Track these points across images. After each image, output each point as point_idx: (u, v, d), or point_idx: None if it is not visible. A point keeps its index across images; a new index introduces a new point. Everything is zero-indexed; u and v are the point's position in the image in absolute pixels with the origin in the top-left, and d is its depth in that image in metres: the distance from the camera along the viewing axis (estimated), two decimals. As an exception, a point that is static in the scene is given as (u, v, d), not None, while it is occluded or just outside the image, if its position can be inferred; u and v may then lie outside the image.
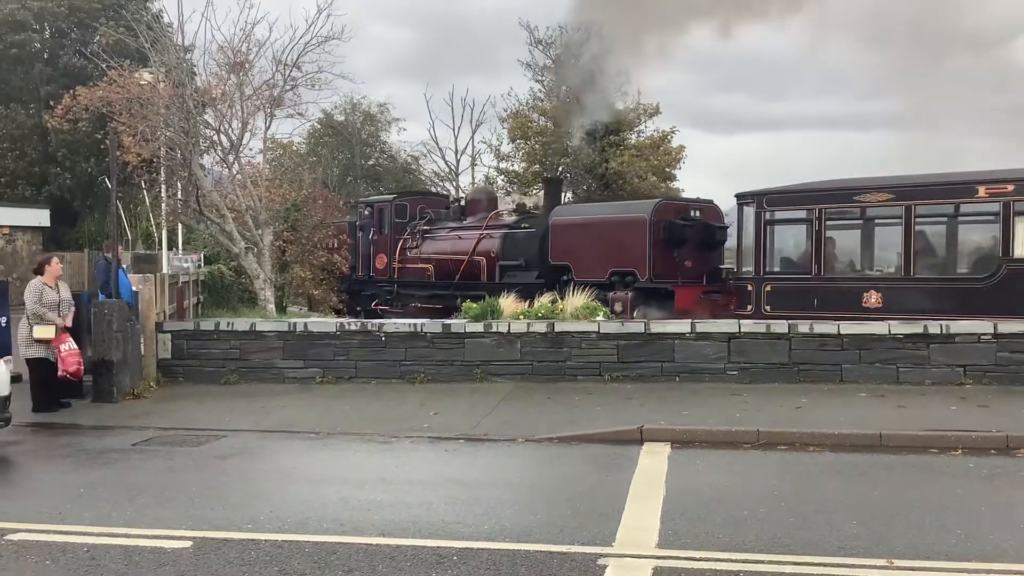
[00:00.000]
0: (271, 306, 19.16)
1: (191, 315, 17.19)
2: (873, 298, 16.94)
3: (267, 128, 20.38)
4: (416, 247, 24.26)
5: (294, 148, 38.46)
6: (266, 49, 19.62)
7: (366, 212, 25.84)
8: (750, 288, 18.29)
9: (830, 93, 70.79)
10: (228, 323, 15.06)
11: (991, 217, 16.33)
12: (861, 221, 18.21)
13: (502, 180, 41.75)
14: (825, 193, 18.38)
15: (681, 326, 13.75)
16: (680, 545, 6.60)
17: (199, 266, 24.63)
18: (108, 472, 9.37)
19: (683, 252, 19.68)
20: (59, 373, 12.53)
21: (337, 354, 14.51)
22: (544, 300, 15.47)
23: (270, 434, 11.12)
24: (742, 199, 19.18)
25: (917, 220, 16.94)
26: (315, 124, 42.15)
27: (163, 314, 15.14)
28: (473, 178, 46.20)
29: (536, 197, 37.20)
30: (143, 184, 23.08)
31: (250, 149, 21.11)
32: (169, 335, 14.84)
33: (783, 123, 73.27)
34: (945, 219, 17.43)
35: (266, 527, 7.17)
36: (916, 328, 13.03)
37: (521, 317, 14.52)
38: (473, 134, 46.12)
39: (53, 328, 12.40)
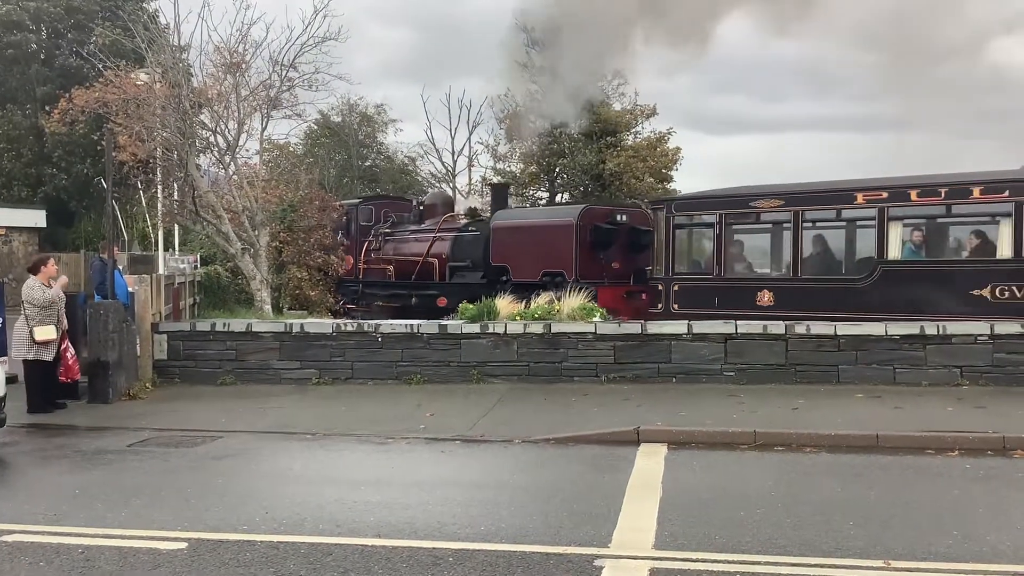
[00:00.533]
0: (267, 307, 19.16)
1: (187, 316, 17.19)
2: (766, 297, 17.80)
3: (263, 129, 20.41)
4: (379, 249, 25.09)
5: (291, 149, 38.44)
6: (263, 50, 19.67)
7: (341, 215, 26.31)
8: (660, 287, 19.10)
9: (828, 95, 70.76)
10: (224, 324, 15.05)
11: (869, 222, 17.15)
12: (757, 225, 19.24)
13: (498, 180, 41.75)
14: (725, 199, 19.41)
15: (678, 327, 13.74)
16: (677, 546, 6.59)
17: (195, 267, 24.62)
18: (103, 473, 9.34)
19: (609, 254, 20.61)
20: (63, 379, 12.57)
21: (333, 355, 14.49)
22: (541, 301, 15.45)
23: (266, 435, 11.09)
24: (654, 205, 20.62)
25: (804, 225, 17.84)
26: (312, 125, 42.12)
27: (159, 315, 15.13)
28: (470, 179, 46.19)
29: (534, 198, 37.30)
30: (139, 185, 23.11)
31: (246, 150, 21.12)
32: (165, 336, 14.82)
33: (781, 124, 73.30)
34: (829, 224, 18.35)
35: (261, 528, 7.15)
36: (913, 329, 13.02)
37: (518, 318, 14.50)
38: (470, 135, 46.11)
39: (53, 329, 12.40)
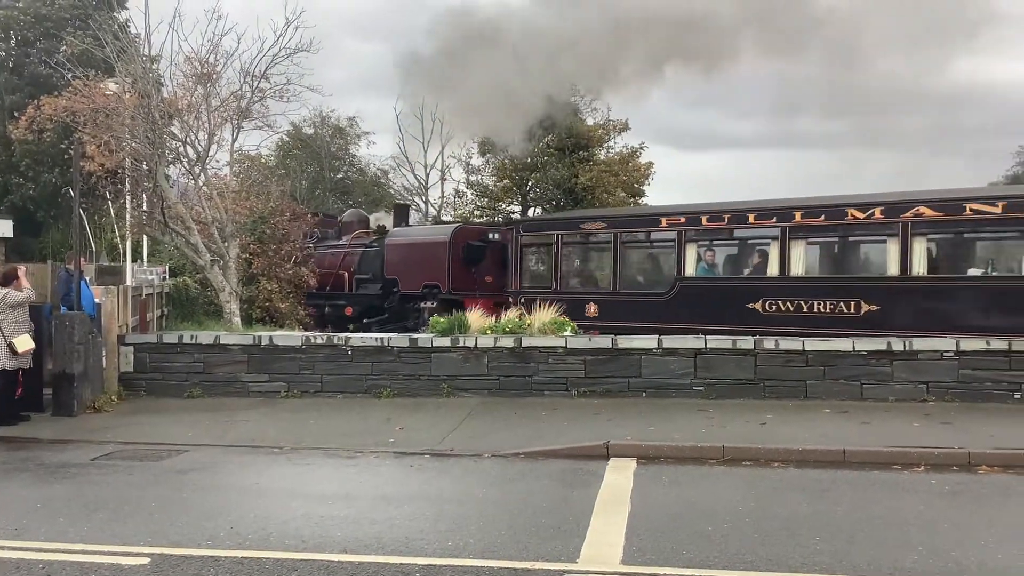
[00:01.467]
0: (236, 319, 18.98)
1: (155, 328, 17.01)
2: (592, 308, 20.20)
3: (234, 140, 20.25)
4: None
5: (262, 160, 38.26)
6: (233, 60, 19.50)
7: None
8: (511, 300, 21.29)
9: (798, 113, 71.60)
10: (192, 336, 14.92)
11: (670, 243, 19.72)
12: (586, 245, 22.16)
13: (472, 194, 41.77)
14: (561, 221, 22.95)
15: (648, 342, 13.77)
16: (645, 561, 6.58)
17: (164, 278, 24.37)
18: (66, 487, 9.21)
19: (481, 268, 23.12)
20: (19, 393, 12.45)
21: (303, 368, 14.41)
22: (511, 314, 15.45)
23: (233, 449, 10.99)
24: (507, 226, 23.55)
25: (622, 245, 20.49)
26: (284, 136, 41.98)
27: (126, 327, 14.97)
28: (442, 192, 46.16)
29: (506, 212, 37.34)
30: (108, 195, 22.87)
31: (217, 161, 20.97)
32: (132, 348, 14.67)
33: (751, 141, 73.94)
34: (640, 244, 21.16)
35: (226, 543, 7.07)
36: (880, 345, 13.14)
37: (488, 332, 14.49)
38: (443, 148, 46.09)
39: (30, 338, 12.32)
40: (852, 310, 17.04)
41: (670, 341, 13.77)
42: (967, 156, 69.62)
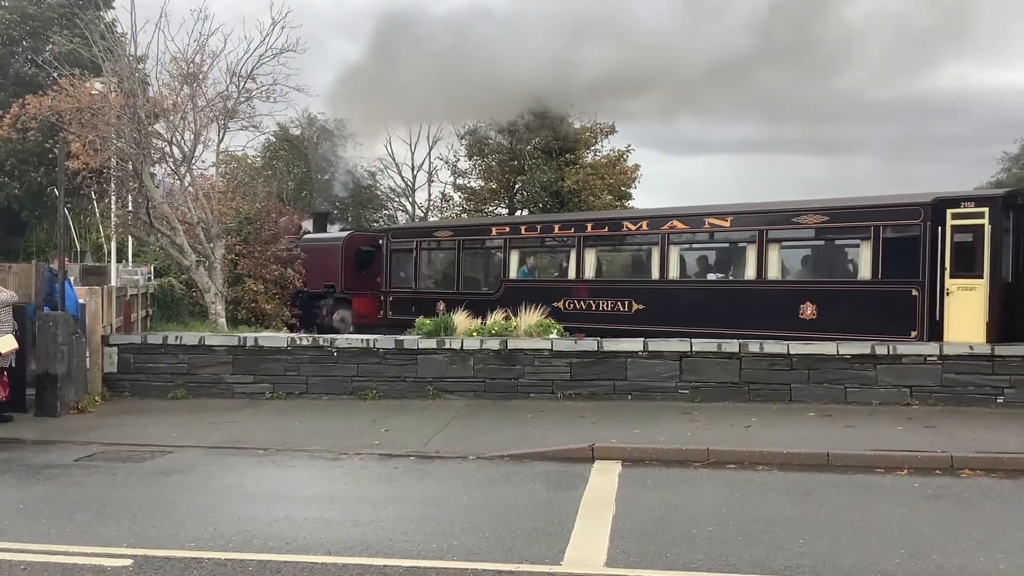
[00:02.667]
0: (222, 320, 18.93)
1: (139, 328, 16.92)
2: (441, 307, 22.23)
3: (220, 140, 20.20)
4: None
5: (249, 161, 38.16)
6: (220, 60, 19.46)
7: None
8: (382, 298, 25.36)
9: (784, 120, 71.82)
10: (176, 337, 14.87)
11: (498, 250, 23.10)
12: (437, 251, 25.32)
13: (459, 196, 41.76)
14: (419, 230, 26.85)
15: (634, 344, 13.79)
16: (629, 564, 6.59)
17: (149, 279, 24.28)
18: (49, 488, 9.16)
19: (372, 270, 26.15)
20: (6, 397, 12.40)
21: (288, 369, 14.38)
22: (497, 317, 15.44)
23: (217, 450, 10.95)
24: (380, 233, 27.31)
25: (463, 251, 24.05)
26: (271, 138, 41.87)
27: (110, 327, 14.90)
28: (429, 194, 46.15)
29: (493, 215, 37.35)
30: (93, 195, 22.77)
31: (203, 161, 20.91)
32: (116, 348, 14.61)
33: (737, 146, 74.15)
34: (478, 250, 24.38)
35: (209, 545, 7.05)
36: (864, 349, 13.20)
37: (474, 334, 14.48)
38: (430, 150, 46.07)
39: (12, 338, 12.25)
40: (626, 308, 19.96)
41: (656, 344, 13.79)
42: (954, 162, 70.19)
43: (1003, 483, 9.18)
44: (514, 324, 14.97)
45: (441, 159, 44.32)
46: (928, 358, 12.98)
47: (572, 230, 21.81)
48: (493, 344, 14.02)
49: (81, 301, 14.53)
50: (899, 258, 17.03)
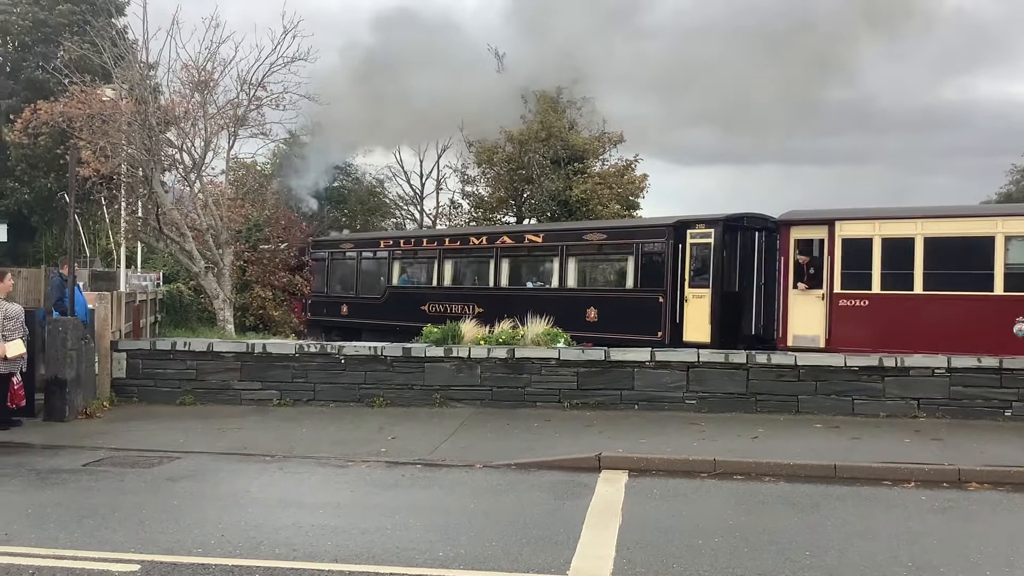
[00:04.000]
0: (230, 326, 18.99)
1: (148, 334, 17.01)
2: (344, 309, 27.46)
3: (230, 148, 20.28)
4: None
5: (258, 168, 38.24)
6: (231, 68, 19.56)
7: None
8: (308, 301, 29.14)
9: (792, 128, 71.75)
10: (185, 343, 14.91)
11: (384, 259, 27.30)
12: (343, 260, 29.04)
13: (467, 204, 41.81)
14: (331, 241, 30.37)
15: (641, 354, 13.80)
16: (635, 574, 6.60)
17: (158, 285, 24.37)
18: (57, 492, 9.19)
19: (304, 276, 29.26)
20: (8, 404, 12.42)
21: (296, 376, 14.41)
22: (505, 326, 15.47)
23: (224, 456, 10.98)
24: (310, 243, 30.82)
25: (362, 260, 28.21)
26: (280, 145, 41.95)
27: (119, 333, 14.96)
28: (438, 202, 46.20)
29: (500, 223, 37.38)
30: (103, 201, 22.86)
31: (212, 168, 21.00)
32: (124, 354, 14.66)
33: (746, 157, 74.14)
34: (372, 259, 28.09)
35: (216, 551, 7.07)
36: (871, 361, 13.18)
37: (482, 343, 14.51)
38: (439, 158, 46.14)
39: (22, 343, 12.29)
40: (471, 311, 22.30)
41: (663, 354, 13.80)
42: (961, 174, 70.10)
43: (1011, 497, 9.15)
44: (521, 333, 15.00)
45: (450, 167, 44.42)
46: (936, 370, 12.96)
47: (435, 244, 26.00)
48: (500, 353, 14.03)
49: (90, 306, 14.59)
50: (651, 270, 20.71)
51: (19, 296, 15.14)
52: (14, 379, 12.50)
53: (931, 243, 17.82)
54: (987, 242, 17.22)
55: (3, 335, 12.19)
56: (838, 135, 67.93)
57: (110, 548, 7.14)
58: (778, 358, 13.49)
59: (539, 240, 23.76)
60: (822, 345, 18.08)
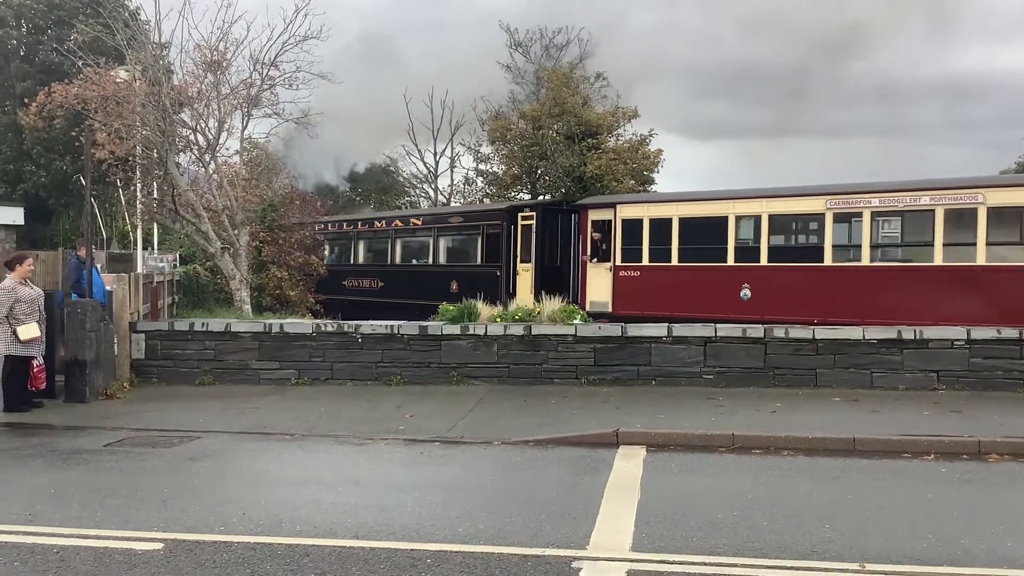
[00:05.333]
0: (247, 307, 19.06)
1: (166, 315, 17.07)
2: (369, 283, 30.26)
3: (244, 128, 20.28)
4: None
5: (272, 149, 38.24)
6: (243, 48, 19.54)
7: None
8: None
9: (809, 102, 71.25)
10: (203, 323, 14.98)
11: (321, 241, 29.06)
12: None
13: (481, 181, 41.72)
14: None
15: (658, 330, 13.78)
16: (654, 548, 6.61)
17: (174, 266, 24.46)
18: (79, 473, 9.27)
19: None
20: (29, 387, 12.50)
21: (313, 355, 14.46)
22: (521, 302, 15.46)
23: (244, 436, 11.05)
24: None
25: (315, 241, 28.96)
26: (294, 124, 41.91)
27: (137, 314, 15.03)
28: (452, 180, 46.15)
29: (515, 200, 37.33)
30: (118, 183, 22.92)
31: (227, 149, 21.02)
32: (143, 335, 14.74)
33: (762, 130, 73.62)
34: (318, 240, 28.55)
35: (238, 529, 7.12)
36: (890, 333, 13.13)
37: (498, 320, 14.51)
38: (452, 136, 46.04)
39: (36, 327, 12.34)
40: (375, 285, 27.26)
41: (680, 329, 13.77)
42: (976, 145, 69.52)
43: (1031, 468, 9.12)
44: (538, 310, 15.00)
45: (463, 145, 44.31)
46: (955, 342, 12.90)
47: (351, 227, 29.85)
48: (517, 330, 14.04)
49: (108, 288, 14.67)
50: (493, 249, 24.81)
51: (37, 279, 15.23)
52: (34, 362, 12.57)
53: (683, 223, 21.44)
54: (722, 221, 20.72)
55: (18, 318, 12.25)
56: (856, 108, 67.42)
57: (133, 527, 7.20)
58: (796, 332, 13.44)
59: (420, 224, 28.49)
60: (610, 310, 21.89)
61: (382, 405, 12.62)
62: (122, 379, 14.22)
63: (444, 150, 46.81)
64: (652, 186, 37.06)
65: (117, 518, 7.50)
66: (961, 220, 17.66)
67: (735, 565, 6.25)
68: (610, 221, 22.55)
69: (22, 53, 36.69)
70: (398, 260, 28.56)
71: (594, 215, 23.20)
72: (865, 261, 18.80)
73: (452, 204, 42.82)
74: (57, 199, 35.24)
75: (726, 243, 20.52)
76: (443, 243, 27.24)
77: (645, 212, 22.23)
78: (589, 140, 35.52)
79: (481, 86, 42.49)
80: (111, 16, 20.09)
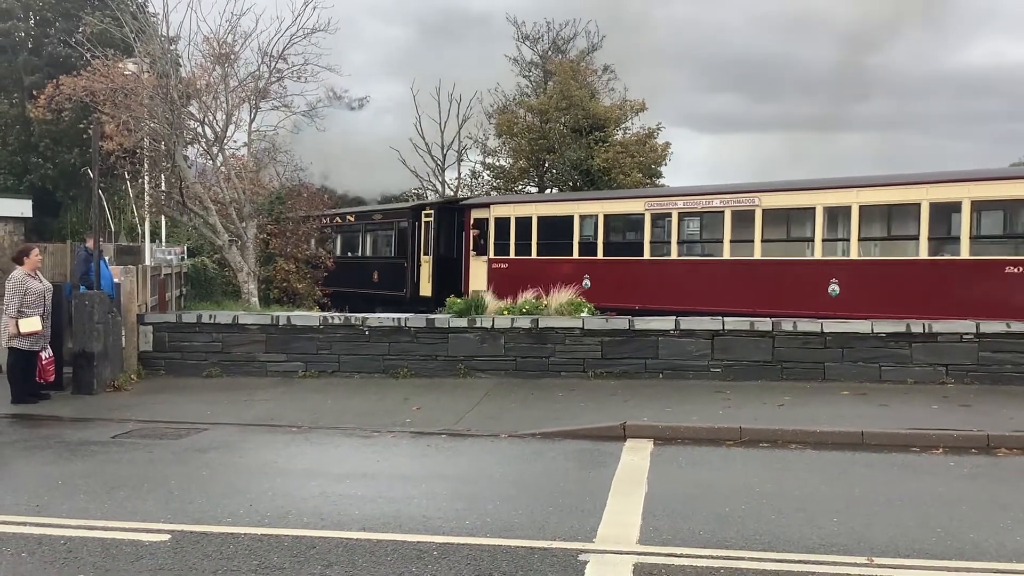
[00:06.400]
0: (254, 299, 19.09)
1: (173, 307, 17.11)
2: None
3: (252, 120, 20.28)
4: None
5: (279, 142, 38.23)
6: (252, 40, 19.53)
7: None
8: None
9: (816, 95, 70.98)
10: (210, 316, 14.99)
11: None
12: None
13: (488, 175, 41.67)
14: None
15: (665, 323, 13.75)
16: (661, 541, 6.59)
17: (182, 259, 24.49)
18: (87, 464, 9.29)
19: None
20: (37, 379, 12.52)
21: (320, 348, 14.46)
22: (528, 295, 15.44)
23: (251, 427, 11.06)
24: None
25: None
26: (301, 117, 41.90)
27: (145, 306, 15.06)
28: (459, 173, 46.07)
29: (523, 193, 37.27)
30: (126, 175, 22.96)
31: (234, 141, 21.03)
32: (151, 327, 14.76)
33: (770, 124, 73.45)
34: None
35: (245, 520, 7.12)
36: (899, 327, 13.07)
37: (505, 313, 14.50)
38: (460, 129, 45.92)
39: (38, 320, 12.33)
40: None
41: (687, 322, 13.74)
42: (986, 139, 69.27)
43: (1041, 462, 9.07)
44: (544, 303, 14.96)
45: (471, 138, 44.22)
46: (964, 336, 12.84)
47: (328, 220, 30.88)
48: (524, 323, 14.02)
49: (117, 280, 14.68)
50: (402, 243, 27.74)
51: (45, 271, 15.23)
52: (43, 354, 12.60)
53: (541, 221, 24.44)
54: (570, 221, 23.71)
55: (22, 311, 12.25)
56: (868, 101, 67.19)
57: (140, 518, 7.20)
58: (804, 325, 13.40)
59: (353, 220, 31.38)
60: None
61: (389, 397, 12.61)
62: (130, 371, 14.23)
63: (451, 143, 46.70)
64: (660, 180, 37.02)
65: (124, 509, 7.50)
66: (743, 220, 20.39)
67: (742, 558, 6.23)
68: (487, 219, 25.66)
69: (30, 46, 36.64)
70: (339, 253, 31.09)
71: (475, 214, 26.22)
72: (674, 256, 21.77)
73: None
74: (65, 192, 35.23)
75: (572, 239, 23.60)
76: (369, 238, 30.89)
77: (512, 212, 25.37)
78: (596, 133, 35.46)
79: (489, 79, 42.44)
80: (119, 8, 20.10)
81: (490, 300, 15.06)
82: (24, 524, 7.07)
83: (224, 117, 19.51)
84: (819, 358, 13.19)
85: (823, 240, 19.08)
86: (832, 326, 13.32)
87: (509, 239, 24.83)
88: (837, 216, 19.14)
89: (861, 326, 13.26)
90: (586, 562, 6.17)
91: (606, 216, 23.17)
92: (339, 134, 39.64)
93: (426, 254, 26.77)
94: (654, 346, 13.63)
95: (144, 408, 12.22)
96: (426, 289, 26.02)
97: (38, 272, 12.81)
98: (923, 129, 67.70)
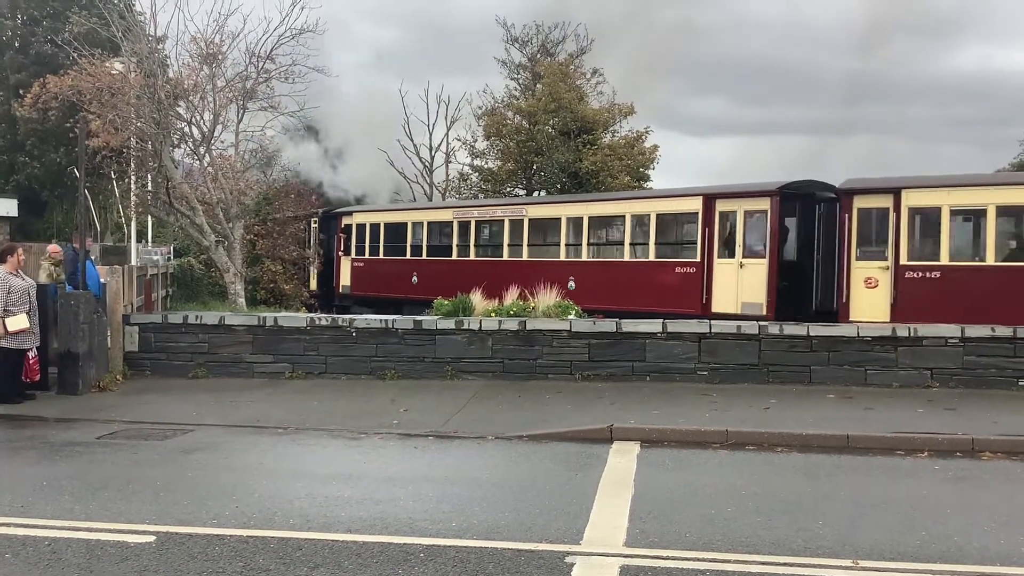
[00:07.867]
0: (241, 300, 19.03)
1: (159, 308, 17.06)
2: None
3: (239, 121, 20.23)
4: None
5: (268, 142, 38.17)
6: (239, 41, 19.48)
7: None
8: None
9: (809, 99, 71.33)
10: (197, 316, 14.93)
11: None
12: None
13: (476, 177, 41.65)
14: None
15: (653, 326, 13.76)
16: (648, 544, 6.60)
17: (169, 259, 24.42)
18: (72, 465, 9.24)
19: None
20: (25, 378, 12.46)
21: (307, 349, 14.42)
22: (515, 297, 15.44)
23: (237, 429, 11.02)
24: None
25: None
26: (290, 118, 41.82)
27: (131, 306, 15.00)
28: (447, 175, 46.03)
29: (511, 195, 37.28)
30: (112, 175, 22.87)
31: (222, 142, 20.98)
32: (136, 328, 14.69)
33: (759, 127, 73.69)
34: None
35: (231, 522, 7.10)
36: (884, 331, 13.14)
37: (493, 315, 14.49)
38: (448, 131, 45.88)
39: (25, 318, 12.27)
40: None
41: (675, 325, 13.76)
42: (976, 144, 69.68)
43: (1024, 466, 9.13)
44: (532, 305, 14.96)
45: (459, 140, 44.19)
46: (949, 340, 12.90)
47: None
48: (511, 325, 14.01)
49: (103, 280, 14.62)
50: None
51: (30, 271, 15.14)
52: (29, 354, 12.54)
53: (386, 227, 28.71)
54: (404, 227, 28.24)
55: (9, 310, 12.19)
56: (856, 105, 67.47)
57: (125, 519, 7.17)
58: (791, 328, 13.44)
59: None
60: (351, 291, 29.42)
61: (376, 399, 12.59)
62: (115, 371, 14.16)
63: (439, 145, 46.65)
64: (647, 183, 37.09)
65: (109, 510, 7.47)
66: (518, 227, 24.74)
67: (728, 561, 6.24)
68: (351, 224, 30.10)
69: (16, 45, 36.52)
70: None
71: (344, 220, 30.67)
72: (472, 256, 25.90)
73: (446, 199, 42.73)
74: (51, 191, 35.10)
75: (406, 243, 28.01)
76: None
77: (367, 218, 29.92)
78: (585, 136, 35.52)
79: (478, 81, 42.46)
80: (106, 8, 20.02)
81: (478, 301, 15.04)
82: (8, 525, 7.02)
83: (211, 117, 19.45)
84: (805, 361, 13.23)
85: (566, 245, 23.56)
86: (818, 329, 13.37)
87: (365, 242, 29.35)
88: (579, 225, 23.52)
89: (847, 329, 13.32)
90: (572, 564, 6.17)
91: (429, 223, 27.98)
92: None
93: (349, 255, 30.33)
94: (641, 349, 13.65)
95: (129, 409, 12.16)
96: (313, 284, 30.29)
97: (19, 271, 12.74)
98: (911, 134, 68.03)
